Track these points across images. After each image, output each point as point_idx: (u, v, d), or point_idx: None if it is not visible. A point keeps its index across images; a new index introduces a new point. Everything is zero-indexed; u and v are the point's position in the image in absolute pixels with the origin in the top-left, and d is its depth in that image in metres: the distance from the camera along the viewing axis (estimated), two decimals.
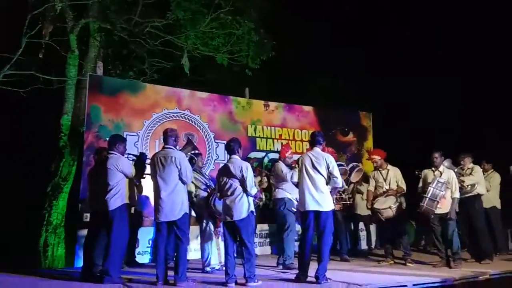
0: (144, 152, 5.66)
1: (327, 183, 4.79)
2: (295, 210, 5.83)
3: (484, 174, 6.61)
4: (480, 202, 6.31)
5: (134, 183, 4.93)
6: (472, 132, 9.30)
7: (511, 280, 5.31)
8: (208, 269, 5.48)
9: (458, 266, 5.65)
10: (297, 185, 5.00)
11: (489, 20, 10.00)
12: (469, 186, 6.19)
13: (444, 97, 10.06)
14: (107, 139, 6.36)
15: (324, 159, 4.77)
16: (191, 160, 4.95)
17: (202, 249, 5.59)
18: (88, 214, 5.59)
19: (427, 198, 5.66)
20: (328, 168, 4.74)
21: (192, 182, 5.49)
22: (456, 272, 5.37)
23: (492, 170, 7.08)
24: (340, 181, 4.80)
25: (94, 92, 6.64)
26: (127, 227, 4.71)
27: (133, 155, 5.20)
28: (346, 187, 6.55)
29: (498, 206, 6.99)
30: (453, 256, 5.76)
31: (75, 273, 5.23)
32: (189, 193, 5.45)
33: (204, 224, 5.60)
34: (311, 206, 4.72)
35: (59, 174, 7.28)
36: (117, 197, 4.63)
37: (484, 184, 6.48)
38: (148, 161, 4.95)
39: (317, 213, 4.71)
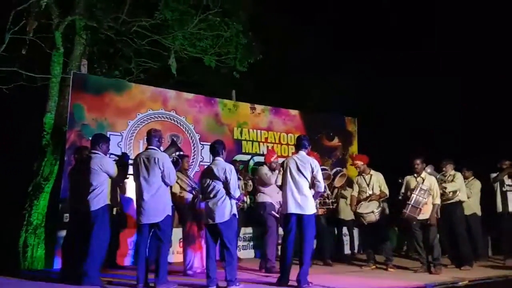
0: (126, 152, 5.58)
1: (311, 187, 4.80)
2: (275, 213, 5.84)
3: (465, 181, 6.70)
4: (461, 209, 6.40)
5: (117, 183, 4.88)
6: (455, 139, 9.45)
7: (489, 286, 5.40)
8: (190, 272, 5.44)
9: (438, 271, 5.71)
10: (281, 188, 5.00)
11: (481, 25, 10.18)
12: (451, 192, 6.27)
13: (429, 103, 10.21)
14: (90, 138, 6.28)
15: (309, 163, 4.80)
16: (175, 162, 4.89)
17: (185, 252, 5.55)
18: (68, 214, 5.48)
19: (410, 205, 5.72)
20: (312, 172, 4.77)
21: (177, 182, 5.46)
22: (436, 277, 5.43)
23: (473, 177, 7.19)
24: (322, 186, 4.84)
25: (78, 91, 6.54)
26: (108, 228, 4.63)
27: (115, 155, 5.13)
28: (329, 192, 6.57)
29: (479, 213, 7.10)
30: (433, 262, 5.82)
31: (54, 274, 5.15)
32: (173, 194, 5.42)
33: (188, 227, 5.56)
34: (293, 208, 4.73)
35: (41, 174, 7.13)
36: (100, 198, 4.57)
37: (465, 191, 6.57)
38: (131, 161, 4.89)
39: (300, 216, 4.73)
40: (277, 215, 5.82)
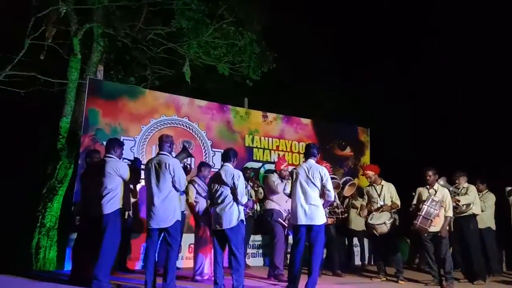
0: (138, 157, 5.65)
1: (320, 196, 4.78)
2: (282, 221, 5.83)
3: (478, 194, 6.57)
4: (475, 222, 6.28)
5: (129, 188, 4.94)
6: (469, 151, 9.31)
7: None
8: (198, 278, 5.45)
9: (450, 285, 5.60)
10: (290, 196, 4.99)
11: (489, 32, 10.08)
12: (465, 205, 6.16)
13: (443, 115, 10.09)
14: (103, 142, 6.39)
15: (318, 171, 4.78)
16: (185, 168, 4.93)
17: (196, 257, 5.57)
18: (78, 217, 5.56)
19: (421, 216, 5.63)
20: (322, 180, 4.74)
21: (195, 187, 5.53)
22: None
23: (487, 190, 7.05)
24: (332, 195, 4.82)
25: (93, 96, 6.67)
26: (119, 232, 4.68)
27: (128, 160, 5.20)
28: (338, 202, 6.53)
29: (493, 227, 6.95)
30: (445, 275, 5.71)
31: (64, 276, 5.20)
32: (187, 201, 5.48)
33: (201, 231, 5.59)
34: (302, 220, 4.71)
35: (55, 177, 7.28)
36: (114, 201, 4.62)
37: (479, 204, 6.45)
38: (143, 166, 4.95)
39: (309, 227, 4.71)
40: (285, 223, 5.81)
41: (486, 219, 6.78)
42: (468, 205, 6.17)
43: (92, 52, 7.87)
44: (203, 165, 6.04)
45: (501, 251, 7.45)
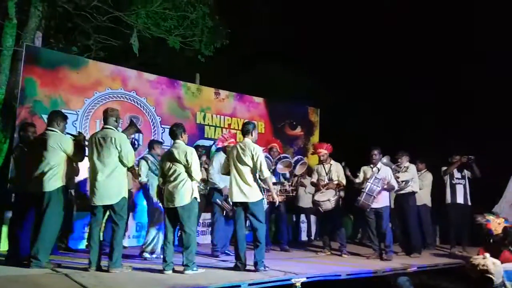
0: (82, 132, 5.34)
1: (254, 174, 4.78)
2: (220, 203, 5.88)
3: (418, 173, 6.97)
4: (413, 199, 6.66)
5: (72, 164, 4.67)
6: (412, 132, 9.80)
7: (436, 272, 5.71)
8: (147, 255, 5.35)
9: (389, 258, 5.95)
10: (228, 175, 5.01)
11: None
12: (404, 182, 6.51)
13: (390, 98, 10.46)
14: (42, 115, 5.98)
15: (250, 150, 4.75)
16: (132, 144, 4.74)
17: (147, 235, 5.49)
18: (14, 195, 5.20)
19: (365, 193, 5.89)
20: (253, 159, 4.74)
21: (148, 165, 5.41)
22: (387, 263, 5.67)
23: (426, 169, 7.50)
24: (266, 173, 4.76)
25: (30, 64, 6.17)
26: (62, 211, 4.45)
27: (72, 135, 4.89)
28: (284, 180, 6.65)
29: (429, 204, 7.43)
30: (385, 249, 6.06)
31: (0, 256, 4.87)
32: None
33: (152, 210, 5.49)
34: (237, 197, 4.76)
35: None
36: (57, 178, 4.38)
37: (418, 182, 6.85)
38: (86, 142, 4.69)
39: (245, 204, 4.76)
40: (223, 204, 5.85)
41: (423, 197, 7.23)
42: (406, 181, 6.52)
43: (30, 17, 7.21)
44: (155, 142, 5.85)
45: (435, 226, 8.01)
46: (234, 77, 10.66)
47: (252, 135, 4.90)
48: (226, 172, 5.01)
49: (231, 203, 5.25)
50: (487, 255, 2.84)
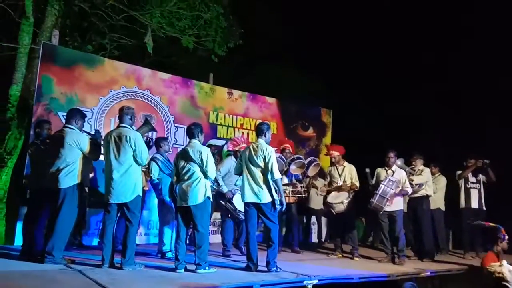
0: (98, 130, 5.39)
1: (266, 175, 4.74)
2: (224, 204, 5.88)
3: (432, 177, 6.89)
4: (427, 203, 6.58)
5: (88, 162, 4.70)
6: (426, 136, 9.68)
7: (448, 277, 5.62)
8: (169, 255, 5.36)
9: (402, 262, 5.88)
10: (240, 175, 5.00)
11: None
12: (417, 185, 6.44)
13: (405, 100, 10.35)
14: (58, 113, 6.06)
15: (262, 151, 4.73)
16: (147, 143, 4.76)
17: (161, 234, 5.50)
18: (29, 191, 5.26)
19: (378, 195, 5.82)
20: (265, 160, 4.72)
21: (158, 165, 5.42)
22: (399, 268, 5.60)
23: (439, 173, 7.41)
24: (276, 175, 4.70)
25: (47, 62, 6.24)
26: (76, 208, 4.49)
27: (88, 133, 4.92)
28: (295, 181, 6.61)
29: (442, 208, 7.33)
30: (398, 253, 5.99)
31: (14, 251, 4.94)
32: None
33: (166, 210, 5.49)
34: (249, 198, 4.75)
35: (4, 148, 6.83)
36: (72, 175, 4.42)
37: (432, 185, 6.76)
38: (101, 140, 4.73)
39: (257, 205, 4.75)
40: (227, 205, 5.85)
41: (437, 200, 7.13)
42: (420, 185, 6.46)
43: (46, 16, 7.31)
44: (161, 140, 5.86)
45: (448, 231, 7.91)
46: (247, 77, 10.67)
47: (265, 136, 4.89)
48: (239, 173, 5.01)
49: (234, 205, 5.24)
50: (504, 262, 2.79)
